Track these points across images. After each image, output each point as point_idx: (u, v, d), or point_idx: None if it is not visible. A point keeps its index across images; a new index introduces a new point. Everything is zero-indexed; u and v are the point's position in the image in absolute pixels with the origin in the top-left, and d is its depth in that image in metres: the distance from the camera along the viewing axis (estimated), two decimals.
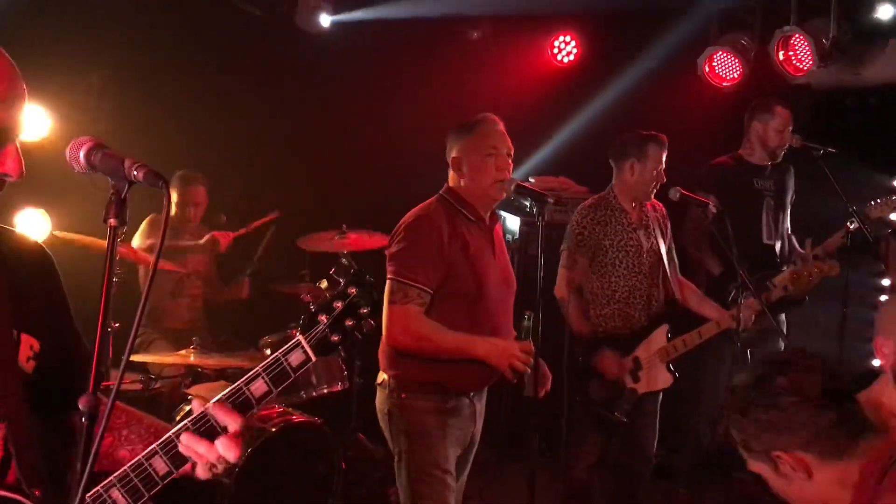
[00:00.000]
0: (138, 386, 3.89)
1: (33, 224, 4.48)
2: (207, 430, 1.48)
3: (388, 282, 2.97)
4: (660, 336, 4.02)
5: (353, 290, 1.57)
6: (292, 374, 1.52)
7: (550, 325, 3.08)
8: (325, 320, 1.54)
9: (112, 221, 1.32)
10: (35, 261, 1.64)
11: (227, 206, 5.08)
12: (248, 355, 4.40)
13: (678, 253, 4.30)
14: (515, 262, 5.30)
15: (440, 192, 3.15)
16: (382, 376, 3.11)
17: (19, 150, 1.47)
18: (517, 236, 5.58)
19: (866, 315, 5.76)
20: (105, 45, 4.89)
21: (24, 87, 1.47)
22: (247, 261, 5.10)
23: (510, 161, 3.11)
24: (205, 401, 1.51)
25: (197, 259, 5.01)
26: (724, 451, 4.50)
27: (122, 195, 1.34)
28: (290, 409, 3.97)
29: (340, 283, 1.59)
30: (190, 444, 1.47)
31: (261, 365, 1.52)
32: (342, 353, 1.58)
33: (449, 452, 3.00)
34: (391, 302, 2.92)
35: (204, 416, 1.48)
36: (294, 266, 4.96)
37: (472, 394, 3.07)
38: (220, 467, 1.48)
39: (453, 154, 3.13)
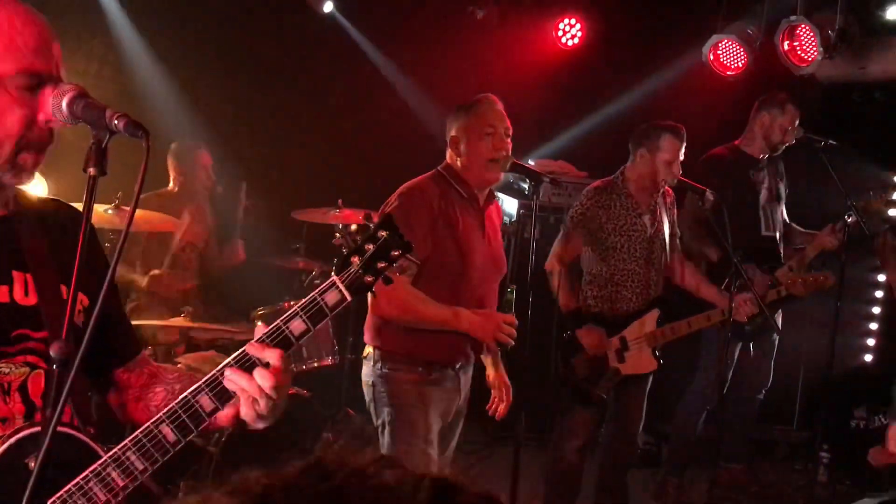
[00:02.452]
0: None
1: (32, 189, 4.47)
2: (250, 366, 1.53)
3: None
4: (650, 320, 4.03)
5: (384, 234, 1.61)
6: (328, 313, 1.57)
7: (540, 304, 3.08)
8: (358, 262, 1.59)
9: (91, 171, 1.32)
10: (74, 225, 1.65)
11: (225, 178, 5.06)
12: (238, 327, 4.42)
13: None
14: (512, 245, 5.31)
15: (437, 167, 3.15)
16: (368, 349, 3.13)
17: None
18: (514, 219, 5.57)
19: (860, 310, 5.78)
20: (106, 11, 4.87)
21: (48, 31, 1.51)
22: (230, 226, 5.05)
23: (509, 141, 3.10)
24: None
25: (193, 231, 4.99)
26: (713, 440, 4.55)
27: (103, 145, 1.33)
28: None
29: (370, 227, 1.63)
30: (233, 379, 1.52)
31: (298, 304, 1.58)
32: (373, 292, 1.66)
33: (432, 424, 3.01)
34: None
35: (245, 353, 1.54)
36: (288, 239, 4.96)
37: (457, 365, 3.08)
38: (262, 403, 1.52)
39: (452, 133, 3.14)
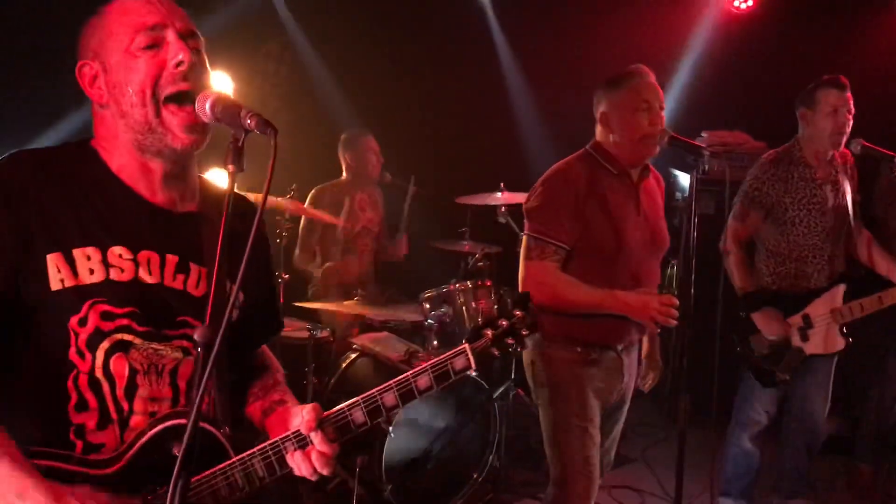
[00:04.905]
0: (305, 333, 4.11)
1: (220, 183, 4.86)
2: (304, 444, 1.66)
3: (524, 237, 2.97)
4: (835, 296, 3.76)
5: (519, 313, 1.77)
6: (452, 376, 1.72)
7: (703, 281, 2.94)
8: (490, 335, 1.74)
9: (230, 167, 1.41)
10: (249, 217, 1.76)
11: (394, 166, 5.24)
12: (409, 309, 4.58)
13: (868, 217, 3.97)
14: (682, 221, 5.11)
15: (586, 146, 3.08)
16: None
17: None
18: (686, 193, 5.36)
19: None
20: (281, 15, 5.17)
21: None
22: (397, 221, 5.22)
23: (662, 114, 2.99)
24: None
25: (367, 217, 5.20)
26: None
27: (240, 143, 1.42)
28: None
29: (508, 302, 1.87)
30: (289, 461, 1.66)
31: (429, 363, 1.73)
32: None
33: (589, 404, 2.96)
34: (528, 258, 2.92)
35: (301, 435, 1.66)
36: (454, 224, 5.06)
37: (619, 347, 3.01)
38: (314, 477, 1.66)
39: (602, 109, 3.04)
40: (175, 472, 1.27)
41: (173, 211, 1.67)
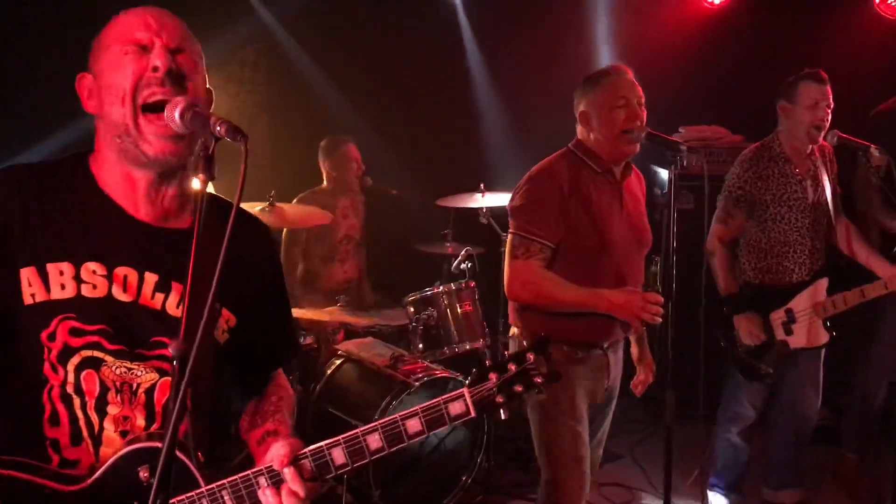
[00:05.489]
0: None
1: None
2: (278, 482, 1.55)
3: (509, 235, 2.96)
4: (818, 290, 3.78)
5: (531, 357, 1.58)
6: (448, 422, 1.56)
7: (685, 277, 2.95)
8: (495, 380, 1.56)
9: (201, 176, 1.38)
10: (253, 238, 1.77)
11: (374, 170, 5.22)
12: (393, 313, 4.56)
13: (849, 208, 3.99)
14: (663, 216, 5.13)
15: (568, 145, 3.08)
16: (513, 329, 3.11)
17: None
18: (665, 189, 5.38)
19: None
20: (257, 21, 5.15)
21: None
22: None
23: (643, 111, 2.99)
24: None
25: (350, 223, 5.17)
26: None
27: (210, 151, 1.40)
28: (434, 364, 4.07)
29: (523, 344, 1.55)
30: (262, 498, 1.56)
31: (421, 406, 1.57)
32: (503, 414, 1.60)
33: (578, 403, 2.96)
34: (513, 256, 2.91)
35: (274, 471, 1.55)
36: (436, 226, 5.05)
37: (604, 345, 3.01)
38: None
39: (581, 108, 3.04)
40: (151, 498, 1.24)
41: (159, 226, 1.64)
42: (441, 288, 4.29)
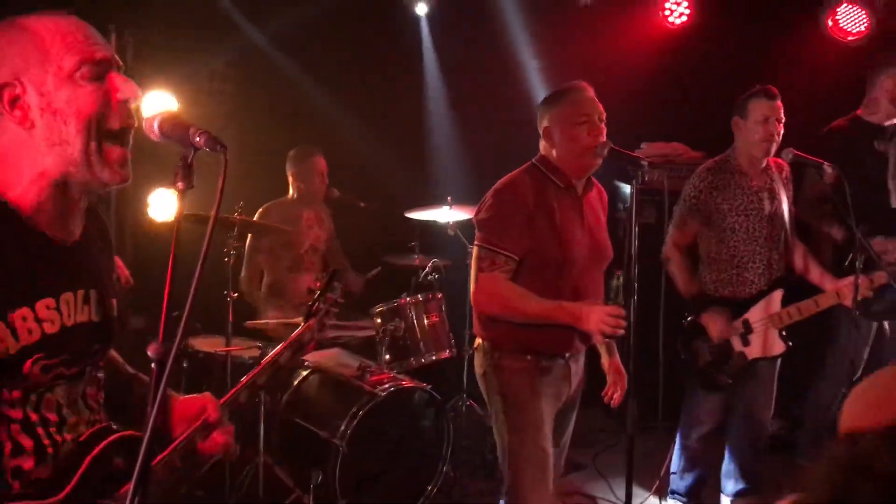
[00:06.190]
0: (255, 352, 4.09)
1: (165, 203, 4.81)
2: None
3: (475, 248, 3.03)
4: (772, 301, 3.89)
5: (331, 298, 2.51)
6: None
7: (645, 290, 3.02)
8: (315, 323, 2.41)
9: (180, 185, 1.42)
10: (100, 228, 1.83)
11: (343, 182, 5.26)
12: (360, 324, 4.60)
13: (801, 229, 4.13)
14: (626, 232, 5.23)
15: (532, 160, 3.16)
16: (478, 340, 3.17)
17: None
18: (627, 204, 5.48)
19: None
20: (225, 32, 5.17)
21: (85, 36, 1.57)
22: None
23: (603, 126, 3.07)
24: None
25: (315, 234, 5.19)
26: None
27: (189, 161, 1.44)
28: (400, 374, 4.10)
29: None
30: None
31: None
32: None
33: (543, 414, 3.02)
34: (479, 269, 2.97)
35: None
36: (403, 238, 5.10)
37: (567, 355, 3.07)
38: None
39: (544, 124, 3.11)
40: (133, 486, 1.27)
41: (69, 243, 1.65)
42: (408, 299, 4.33)
